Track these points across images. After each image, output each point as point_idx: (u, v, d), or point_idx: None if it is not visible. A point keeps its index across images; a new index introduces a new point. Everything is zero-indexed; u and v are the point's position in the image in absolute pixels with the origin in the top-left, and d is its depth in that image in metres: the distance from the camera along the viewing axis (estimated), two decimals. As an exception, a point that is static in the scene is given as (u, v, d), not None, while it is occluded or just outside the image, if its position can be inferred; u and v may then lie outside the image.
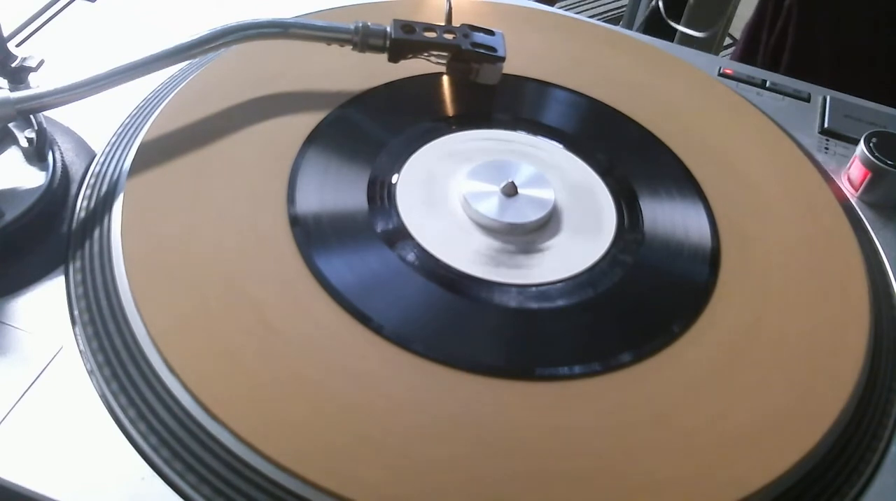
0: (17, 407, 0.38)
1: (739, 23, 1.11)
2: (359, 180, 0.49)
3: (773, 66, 0.93)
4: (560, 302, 0.45)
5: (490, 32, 0.55)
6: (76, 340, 0.41)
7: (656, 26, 1.16)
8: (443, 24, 0.55)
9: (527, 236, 0.48)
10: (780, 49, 0.92)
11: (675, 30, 1.14)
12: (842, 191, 0.56)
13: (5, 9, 0.57)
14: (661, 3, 1.13)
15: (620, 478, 0.38)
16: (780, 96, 0.63)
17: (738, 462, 0.39)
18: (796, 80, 0.65)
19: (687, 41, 1.08)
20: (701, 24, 1.11)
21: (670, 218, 0.50)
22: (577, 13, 0.71)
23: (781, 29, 0.92)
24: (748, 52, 0.99)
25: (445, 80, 0.56)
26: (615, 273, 0.47)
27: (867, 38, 0.86)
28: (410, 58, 0.54)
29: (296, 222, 0.46)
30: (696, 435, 0.40)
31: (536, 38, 0.61)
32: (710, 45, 1.09)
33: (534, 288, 0.45)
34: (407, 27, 0.53)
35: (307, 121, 0.52)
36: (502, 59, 0.54)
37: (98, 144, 0.50)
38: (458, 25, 0.55)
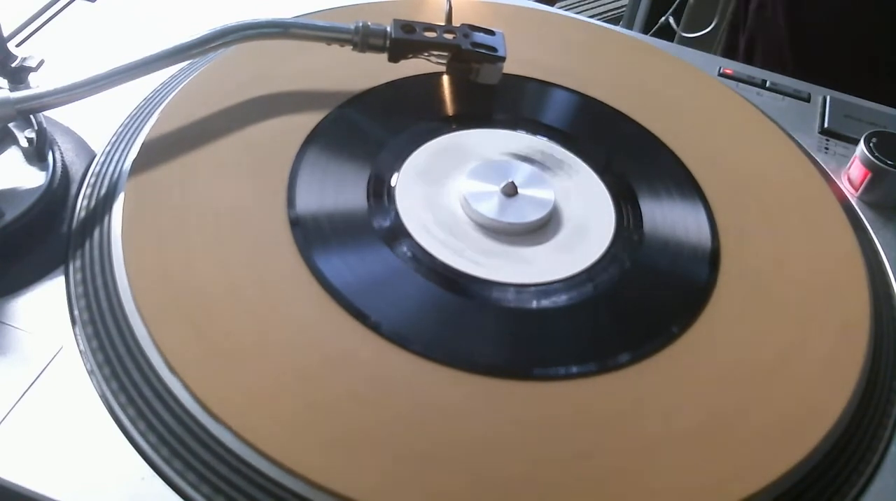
0: (17, 406, 0.38)
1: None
2: (358, 180, 0.49)
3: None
4: (559, 302, 0.45)
5: (490, 32, 0.55)
6: (76, 340, 0.41)
7: (664, 35, 1.16)
8: (443, 24, 0.55)
9: (527, 236, 0.48)
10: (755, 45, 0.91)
11: (676, 31, 1.15)
12: (842, 191, 0.56)
13: (5, 9, 0.57)
14: (671, 20, 1.13)
15: (619, 479, 0.38)
16: (780, 96, 0.63)
17: (738, 463, 0.39)
18: (797, 80, 0.65)
19: (689, 42, 1.08)
20: (700, 24, 1.11)
21: (670, 218, 0.50)
22: (577, 13, 0.71)
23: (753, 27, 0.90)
24: (729, 47, 0.97)
25: (445, 79, 0.56)
26: (614, 273, 0.47)
27: (866, 39, 0.85)
28: (410, 58, 0.54)
29: (295, 221, 0.46)
30: (696, 436, 0.40)
31: (536, 38, 0.61)
32: (710, 45, 1.10)
33: (533, 288, 0.45)
34: (407, 27, 0.53)
35: (307, 121, 0.52)
36: (502, 59, 0.54)
37: (98, 144, 0.50)
38: (458, 25, 0.55)
